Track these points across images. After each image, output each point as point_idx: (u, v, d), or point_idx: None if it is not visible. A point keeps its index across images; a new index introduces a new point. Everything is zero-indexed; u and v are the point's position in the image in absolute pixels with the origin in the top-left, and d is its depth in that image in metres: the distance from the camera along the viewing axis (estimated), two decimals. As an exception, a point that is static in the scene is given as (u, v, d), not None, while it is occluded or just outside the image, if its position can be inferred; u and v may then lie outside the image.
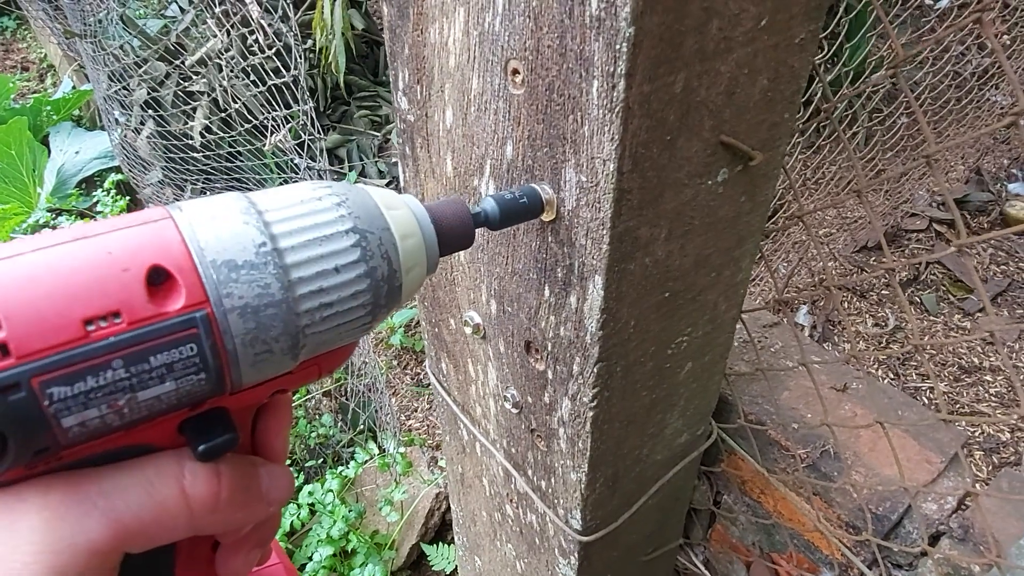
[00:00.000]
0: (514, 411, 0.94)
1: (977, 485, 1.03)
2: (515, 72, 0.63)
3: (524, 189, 0.58)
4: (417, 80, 0.80)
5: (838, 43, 1.68)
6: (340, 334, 0.42)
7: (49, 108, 4.37)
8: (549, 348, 0.79)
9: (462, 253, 0.89)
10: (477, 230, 0.56)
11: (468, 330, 0.94)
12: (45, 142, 4.17)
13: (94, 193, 3.61)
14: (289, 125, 1.82)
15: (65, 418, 0.32)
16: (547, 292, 0.74)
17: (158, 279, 0.35)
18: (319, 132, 1.66)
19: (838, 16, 1.47)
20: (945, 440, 1.06)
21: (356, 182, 3.45)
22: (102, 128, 4.22)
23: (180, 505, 0.38)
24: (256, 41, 1.83)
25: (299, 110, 1.67)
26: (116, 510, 0.35)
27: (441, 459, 2.35)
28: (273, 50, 1.63)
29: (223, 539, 0.45)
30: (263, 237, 0.38)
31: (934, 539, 0.98)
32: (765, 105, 0.66)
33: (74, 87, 4.66)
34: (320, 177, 1.94)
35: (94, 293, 0.33)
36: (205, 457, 0.39)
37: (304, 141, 1.73)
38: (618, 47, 0.51)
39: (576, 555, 1.00)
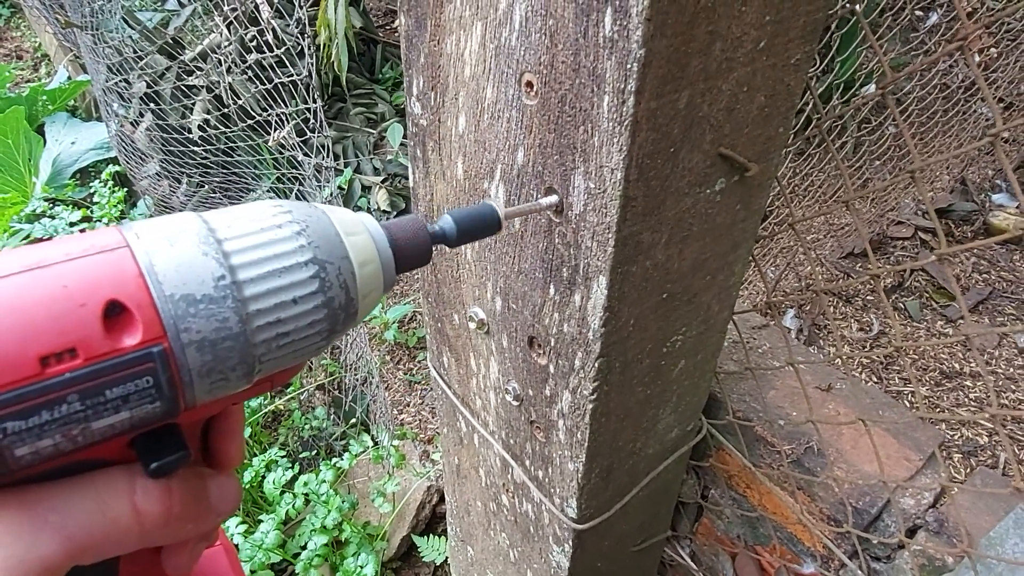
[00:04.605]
0: (514, 403, 0.99)
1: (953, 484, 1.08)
2: (529, 84, 0.68)
3: (482, 207, 0.58)
4: (432, 87, 0.84)
5: (829, 56, 1.73)
6: (295, 357, 0.42)
7: (45, 98, 4.37)
8: (552, 343, 0.83)
9: (468, 252, 0.93)
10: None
11: (472, 325, 0.99)
12: (40, 132, 4.18)
13: (91, 184, 3.62)
14: (293, 122, 1.86)
15: (18, 448, 0.33)
16: (552, 290, 0.78)
17: (115, 311, 0.35)
18: (326, 129, 1.70)
19: (830, 31, 1.52)
20: (923, 439, 1.11)
21: (351, 179, 3.49)
22: (98, 119, 4.23)
23: (131, 521, 0.38)
24: (260, 38, 1.86)
25: (307, 108, 1.71)
26: (68, 527, 0.36)
27: (433, 453, 2.39)
28: (282, 49, 1.67)
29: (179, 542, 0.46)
30: (222, 270, 0.37)
31: (911, 532, 1.03)
32: (762, 120, 0.71)
33: (69, 77, 4.67)
34: (320, 174, 1.98)
35: (50, 330, 0.33)
36: (157, 474, 0.39)
37: (308, 138, 1.77)
38: (629, 66, 0.56)
39: (570, 543, 1.05)
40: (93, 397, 0.34)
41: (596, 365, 0.78)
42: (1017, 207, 3.16)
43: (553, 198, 0.71)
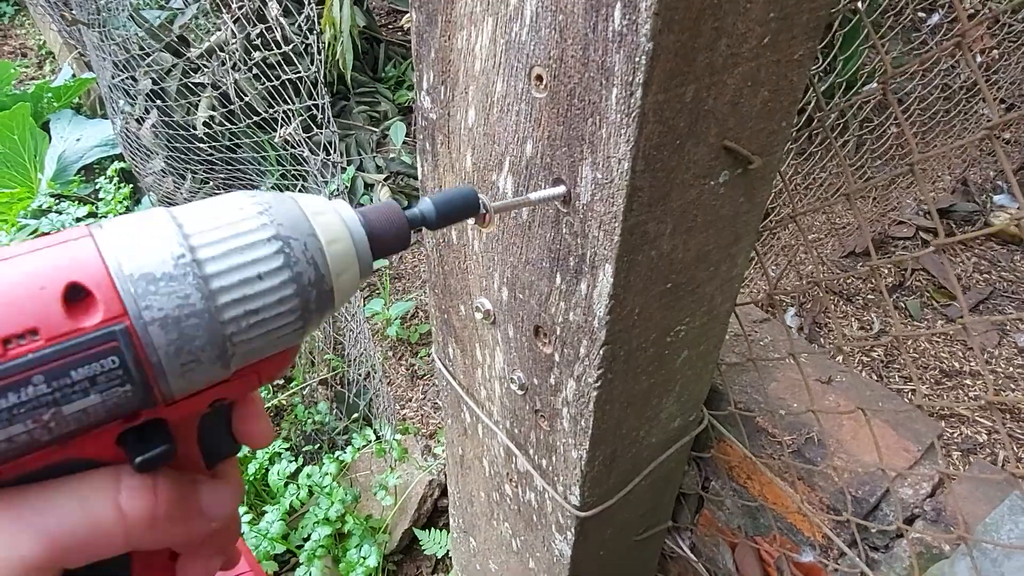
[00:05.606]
0: (519, 393, 1.00)
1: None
2: (539, 78, 0.69)
3: (462, 190, 0.58)
4: (441, 81, 0.86)
5: (832, 54, 1.75)
6: (272, 341, 0.42)
7: (50, 95, 4.39)
8: (558, 332, 0.85)
9: (476, 243, 0.95)
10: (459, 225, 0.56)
11: (479, 316, 1.01)
12: (45, 128, 4.20)
13: (96, 180, 3.65)
14: (300, 118, 1.88)
15: None
16: (559, 279, 0.80)
17: (77, 296, 0.35)
18: (333, 126, 1.72)
19: (832, 29, 1.54)
20: (922, 431, 1.13)
21: (354, 176, 3.51)
22: (103, 116, 4.25)
23: (115, 521, 0.38)
24: (267, 35, 1.88)
25: (314, 104, 1.73)
26: (49, 527, 0.36)
27: (435, 447, 2.40)
28: (290, 46, 1.69)
29: (179, 549, 0.46)
30: (182, 249, 0.38)
31: (909, 521, 1.05)
32: (765, 114, 0.73)
33: (74, 75, 4.68)
34: (326, 169, 2.00)
35: (11, 312, 0.33)
36: (142, 468, 0.39)
37: (314, 134, 1.79)
38: (637, 60, 0.57)
39: (572, 531, 1.06)
40: (59, 378, 0.34)
41: (601, 353, 0.80)
42: (1019, 208, 3.17)
43: (556, 190, 0.73)
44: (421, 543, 2.18)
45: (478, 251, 0.95)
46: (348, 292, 0.47)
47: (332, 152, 1.79)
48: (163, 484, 0.41)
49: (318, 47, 1.65)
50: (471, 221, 0.65)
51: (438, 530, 2.20)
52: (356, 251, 0.47)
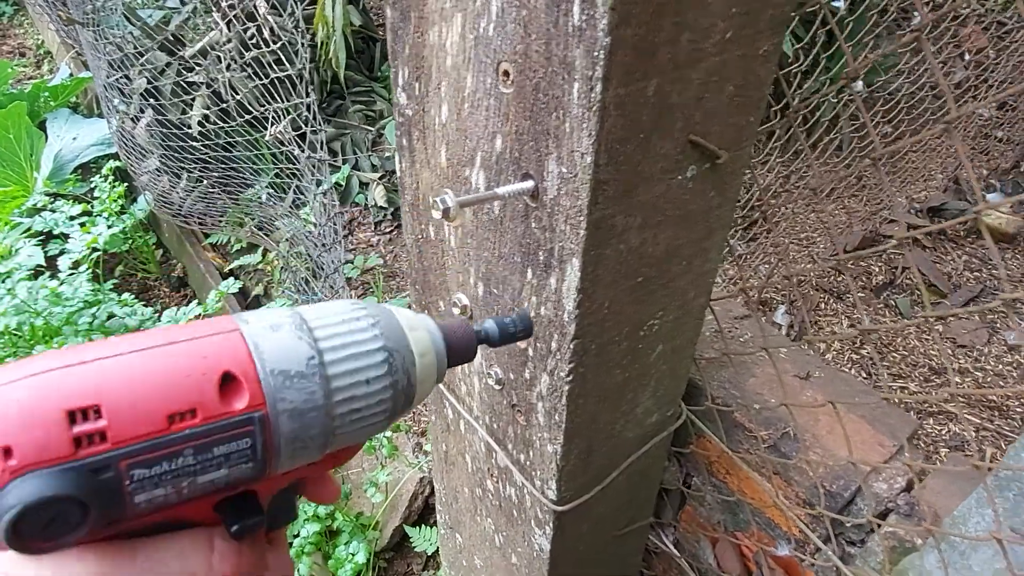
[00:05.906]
0: (497, 388, 1.01)
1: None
2: (506, 73, 0.70)
3: (522, 314, 0.66)
4: (416, 78, 0.87)
5: (814, 53, 1.75)
6: (361, 434, 0.49)
7: (47, 94, 4.39)
8: (531, 327, 0.86)
9: (452, 239, 0.96)
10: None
11: (456, 311, 1.01)
12: (42, 127, 4.20)
13: (92, 179, 3.64)
14: (290, 116, 1.88)
15: (138, 495, 0.39)
16: (530, 274, 0.81)
17: (227, 381, 0.42)
18: (320, 124, 1.72)
19: (815, 27, 1.55)
20: (898, 426, 1.13)
21: (349, 175, 3.52)
22: (99, 115, 4.25)
23: None
24: (258, 34, 1.89)
25: (302, 102, 1.74)
26: None
27: (426, 444, 2.41)
28: (278, 44, 1.69)
29: None
30: (312, 351, 0.45)
31: (883, 516, 1.05)
32: (733, 109, 0.73)
33: (71, 74, 4.69)
34: (316, 168, 2.01)
35: (178, 393, 0.40)
36: (238, 535, 0.45)
37: (304, 132, 1.79)
38: (596, 54, 0.58)
39: (551, 525, 1.07)
40: (204, 452, 0.41)
41: (571, 347, 0.81)
42: (1012, 206, 3.18)
43: (523, 184, 0.73)
44: (412, 540, 2.19)
45: (454, 247, 0.96)
46: (423, 397, 0.54)
47: (320, 150, 1.80)
48: (246, 549, 0.46)
49: (304, 44, 1.66)
50: (438, 215, 0.68)
51: (429, 527, 2.21)
52: (437, 364, 0.55)
